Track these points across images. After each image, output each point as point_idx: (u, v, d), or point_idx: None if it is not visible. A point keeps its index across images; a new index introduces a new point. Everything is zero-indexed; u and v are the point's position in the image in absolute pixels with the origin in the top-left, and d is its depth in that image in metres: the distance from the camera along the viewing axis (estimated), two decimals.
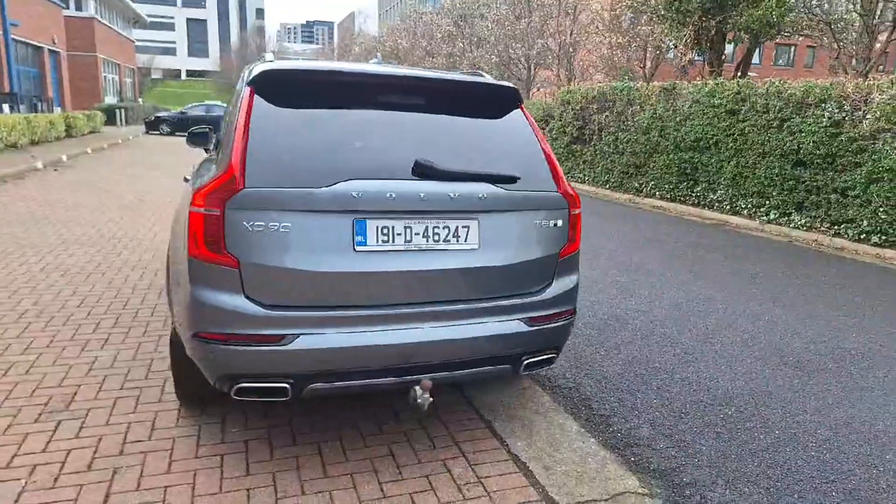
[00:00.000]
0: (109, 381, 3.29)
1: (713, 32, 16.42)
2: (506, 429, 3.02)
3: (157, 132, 28.97)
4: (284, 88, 2.62)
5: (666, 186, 12.23)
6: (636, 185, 13.10)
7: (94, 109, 27.17)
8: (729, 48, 19.91)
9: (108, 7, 36.01)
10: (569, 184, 2.91)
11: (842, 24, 17.63)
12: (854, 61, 16.39)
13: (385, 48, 38.33)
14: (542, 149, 2.90)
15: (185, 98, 52.32)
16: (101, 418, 2.90)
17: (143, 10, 43.97)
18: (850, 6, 16.85)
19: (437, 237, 2.54)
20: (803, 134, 9.23)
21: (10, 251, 5.96)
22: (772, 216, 9.89)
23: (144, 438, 2.75)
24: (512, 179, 2.68)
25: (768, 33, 16.91)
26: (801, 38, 21.19)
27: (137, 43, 45.42)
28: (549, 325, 2.80)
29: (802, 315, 5.28)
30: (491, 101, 3.00)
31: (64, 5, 27.74)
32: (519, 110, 2.98)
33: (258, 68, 2.65)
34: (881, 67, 17.82)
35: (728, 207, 10.78)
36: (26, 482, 2.40)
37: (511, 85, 3.04)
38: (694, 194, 11.58)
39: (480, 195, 2.60)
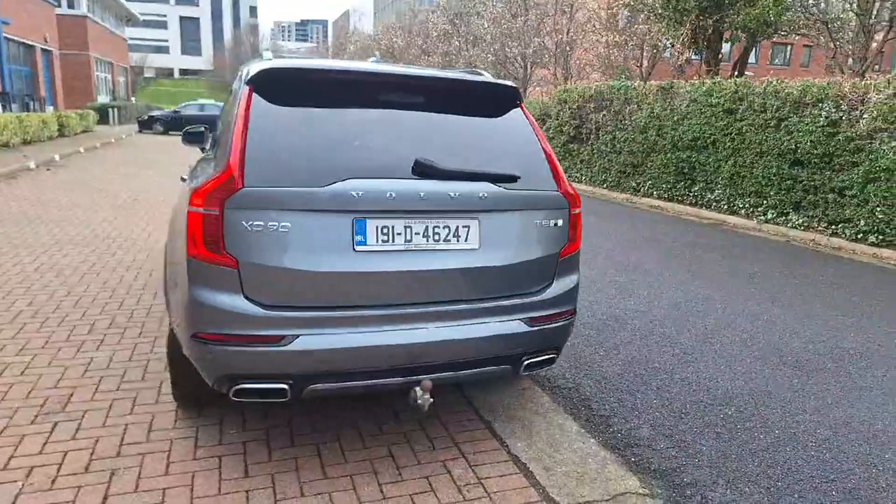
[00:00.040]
0: (105, 382, 3.26)
1: (710, 31, 16.43)
2: (505, 429, 3.01)
3: (151, 131, 28.83)
4: (283, 87, 2.60)
5: (663, 186, 12.24)
6: (633, 184, 13.11)
7: (87, 108, 26.99)
8: (726, 47, 19.95)
9: (101, 5, 35.81)
10: (569, 183, 2.90)
11: (838, 23, 17.67)
12: (850, 61, 16.43)
13: (380, 46, 38.24)
14: (543, 148, 2.88)
15: (178, 97, 52.06)
16: (98, 420, 2.87)
17: (135, 8, 43.72)
18: (847, 6, 16.90)
19: (437, 237, 2.52)
20: (801, 133, 9.25)
21: (4, 251, 5.91)
22: (769, 216, 9.91)
23: (142, 440, 2.72)
24: (512, 179, 2.67)
25: (765, 32, 16.93)
26: (797, 38, 21.26)
27: (130, 41, 45.18)
28: (550, 326, 2.79)
29: (801, 315, 5.29)
30: (491, 100, 2.98)
31: (56, 3, 27.54)
32: (519, 109, 2.96)
33: (257, 67, 2.62)
34: (877, 67, 17.86)
35: (725, 207, 10.79)
36: (23, 484, 2.38)
37: (511, 84, 3.02)
38: (691, 194, 11.60)
39: (481, 195, 2.58)
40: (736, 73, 18.05)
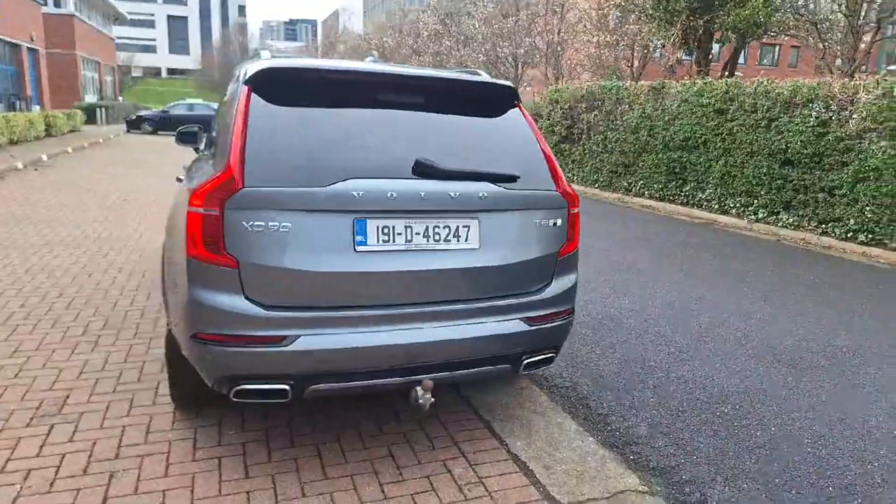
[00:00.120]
0: (101, 383, 3.23)
1: (701, 32, 16.52)
2: (505, 429, 3.01)
3: (139, 131, 28.58)
4: (283, 87, 2.59)
5: (655, 185, 12.30)
6: (625, 184, 13.16)
7: (74, 108, 26.71)
8: (716, 48, 20.06)
9: (88, 4, 35.47)
10: (568, 183, 2.91)
11: (827, 24, 17.83)
12: (839, 61, 16.58)
13: (371, 46, 38.16)
14: (541, 148, 2.89)
15: (166, 96, 51.62)
16: (95, 422, 2.85)
17: (123, 7, 43.33)
18: (836, 7, 17.05)
19: (437, 237, 2.52)
20: (791, 133, 9.32)
21: None
22: (760, 215, 9.98)
23: (140, 442, 2.71)
24: (512, 178, 2.67)
25: (755, 33, 17.04)
26: (785, 38, 21.41)
27: (117, 40, 44.76)
28: (549, 325, 2.79)
29: (793, 313, 5.33)
30: (490, 100, 2.98)
31: (43, 2, 27.24)
32: (517, 109, 2.97)
33: (256, 67, 2.61)
34: (864, 67, 18.03)
35: (717, 206, 10.86)
36: (21, 487, 2.35)
37: (509, 84, 3.03)
38: (683, 193, 11.66)
39: (481, 194, 2.59)
40: (726, 73, 18.16)
